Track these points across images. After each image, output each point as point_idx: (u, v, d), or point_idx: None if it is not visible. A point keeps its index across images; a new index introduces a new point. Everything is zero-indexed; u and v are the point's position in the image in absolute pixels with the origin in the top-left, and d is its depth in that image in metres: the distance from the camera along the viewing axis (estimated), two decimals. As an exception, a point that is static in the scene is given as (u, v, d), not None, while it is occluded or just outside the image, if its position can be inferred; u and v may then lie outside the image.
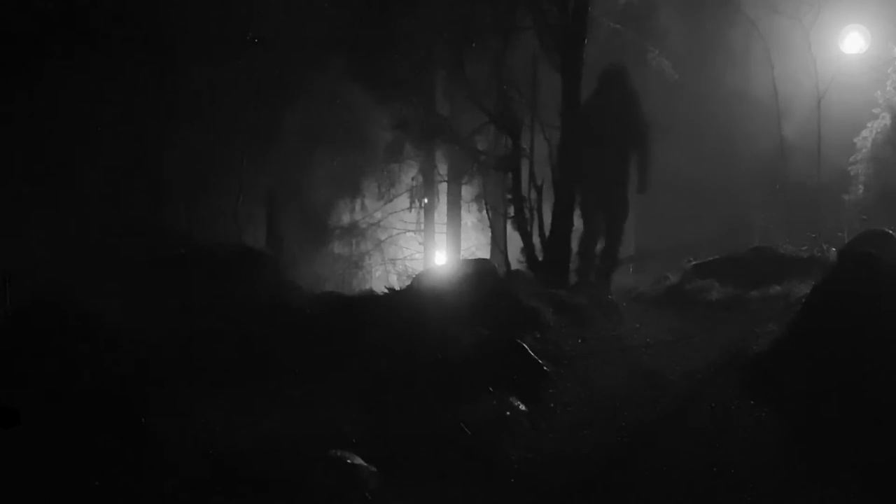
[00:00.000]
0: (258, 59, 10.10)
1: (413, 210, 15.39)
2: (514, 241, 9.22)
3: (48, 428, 3.77)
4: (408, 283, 7.18)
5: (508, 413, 4.55)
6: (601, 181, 8.19)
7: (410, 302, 5.79)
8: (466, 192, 14.65)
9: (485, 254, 12.30)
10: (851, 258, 4.98)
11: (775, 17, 11.57)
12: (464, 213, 15.22)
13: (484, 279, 5.94)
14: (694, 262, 8.81)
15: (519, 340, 5.38)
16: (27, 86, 8.56)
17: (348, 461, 3.27)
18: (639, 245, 14.43)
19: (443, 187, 15.17)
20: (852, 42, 11.61)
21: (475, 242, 15.41)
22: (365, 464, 3.30)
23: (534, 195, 8.92)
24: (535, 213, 8.86)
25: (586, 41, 8.25)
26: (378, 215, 14.97)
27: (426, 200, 15.37)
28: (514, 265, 9.24)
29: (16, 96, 8.52)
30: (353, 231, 14.56)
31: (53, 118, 8.66)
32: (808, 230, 10.44)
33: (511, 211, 9.10)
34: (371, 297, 6.72)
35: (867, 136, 11.35)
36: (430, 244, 15.49)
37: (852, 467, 3.54)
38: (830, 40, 11.58)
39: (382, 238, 15.02)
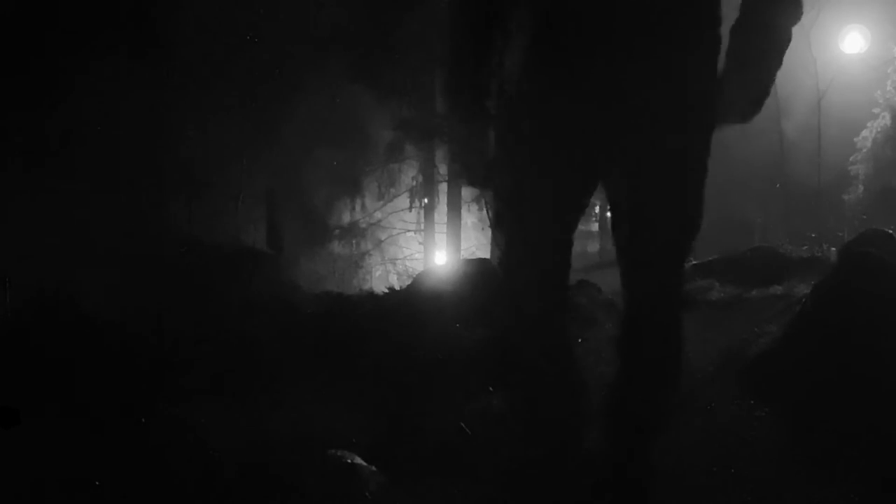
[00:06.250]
0: (258, 59, 10.11)
1: (413, 210, 15.42)
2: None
3: (47, 428, 3.77)
4: (408, 283, 7.17)
5: (509, 413, 4.56)
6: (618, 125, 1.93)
7: (410, 302, 5.78)
8: (466, 192, 14.67)
9: (485, 254, 12.31)
10: (852, 258, 4.96)
11: (775, 17, 11.56)
12: (464, 213, 15.24)
13: (484, 279, 5.93)
14: (693, 262, 8.80)
15: (519, 340, 5.39)
16: (27, 84, 8.57)
17: (348, 461, 3.26)
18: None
19: (443, 187, 15.19)
20: (852, 42, 11.65)
21: (475, 242, 15.42)
22: (365, 464, 3.29)
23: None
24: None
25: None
26: (378, 215, 15.00)
27: (426, 200, 15.40)
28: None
29: (15, 94, 8.53)
30: (353, 231, 14.59)
31: (53, 117, 8.67)
32: (808, 230, 10.46)
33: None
34: (371, 296, 6.72)
35: (867, 136, 11.38)
36: (430, 244, 15.51)
37: (852, 467, 3.54)
38: (830, 40, 11.61)
39: (382, 238, 15.05)
